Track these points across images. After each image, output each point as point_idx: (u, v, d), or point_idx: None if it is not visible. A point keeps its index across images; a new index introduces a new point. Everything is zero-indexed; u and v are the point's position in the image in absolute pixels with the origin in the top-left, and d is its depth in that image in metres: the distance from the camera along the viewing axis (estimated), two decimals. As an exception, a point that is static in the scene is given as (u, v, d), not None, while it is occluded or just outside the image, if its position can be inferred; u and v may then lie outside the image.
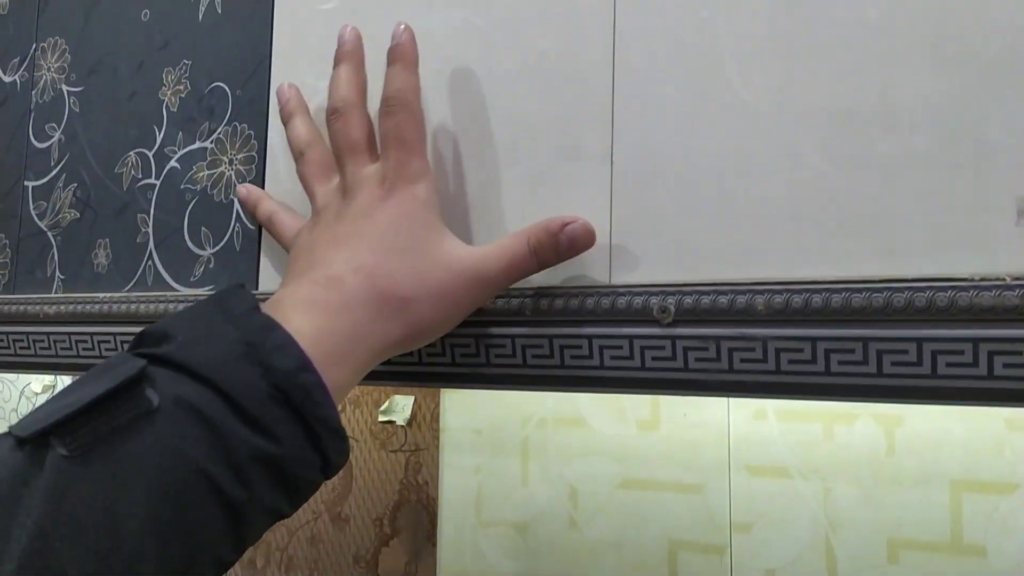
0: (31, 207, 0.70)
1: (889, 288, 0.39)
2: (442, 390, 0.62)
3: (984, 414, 0.58)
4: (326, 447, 0.37)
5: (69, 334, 0.64)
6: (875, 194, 0.41)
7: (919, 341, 0.39)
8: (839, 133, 0.42)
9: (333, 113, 0.48)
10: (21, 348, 0.67)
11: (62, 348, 0.65)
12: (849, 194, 0.42)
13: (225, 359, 0.35)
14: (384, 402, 0.64)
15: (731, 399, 0.59)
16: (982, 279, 0.38)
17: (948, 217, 0.40)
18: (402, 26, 0.49)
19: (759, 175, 0.43)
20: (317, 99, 0.56)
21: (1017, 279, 0.37)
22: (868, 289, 0.40)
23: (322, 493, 0.65)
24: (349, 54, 0.50)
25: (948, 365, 0.38)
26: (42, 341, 0.66)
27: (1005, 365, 0.37)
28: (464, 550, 0.58)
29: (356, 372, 0.41)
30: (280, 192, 0.57)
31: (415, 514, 0.59)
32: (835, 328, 0.41)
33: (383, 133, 0.47)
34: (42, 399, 0.81)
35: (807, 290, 0.41)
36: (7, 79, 0.73)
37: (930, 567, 0.57)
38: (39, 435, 0.33)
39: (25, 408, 0.82)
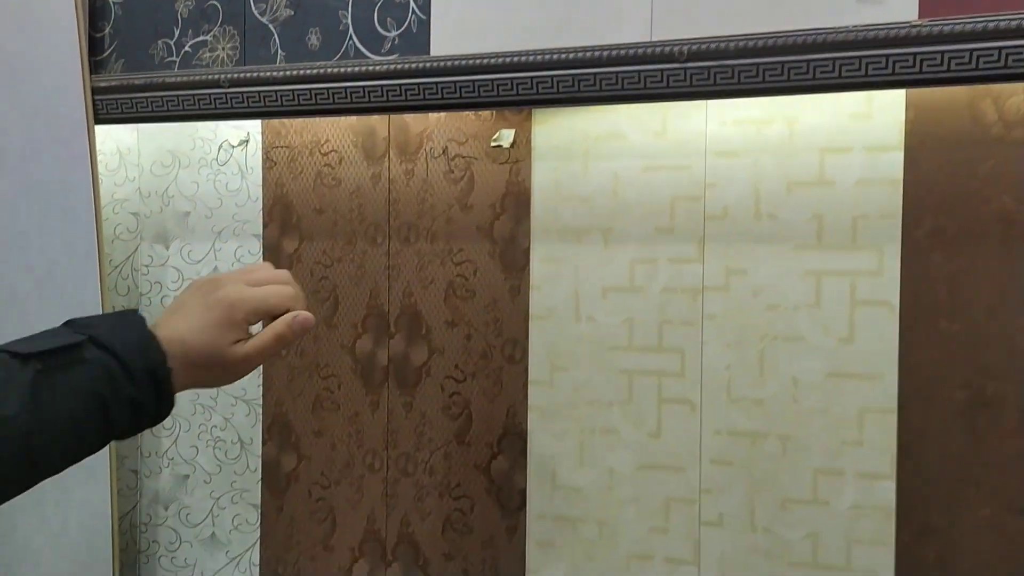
0: (253, 7, 1.04)
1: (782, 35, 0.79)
2: (533, 123, 1.01)
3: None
4: (161, 404, 0.64)
5: (294, 91, 1.01)
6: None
7: (809, 62, 0.79)
8: None
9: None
10: (252, 102, 1.03)
11: (286, 100, 1.01)
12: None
13: (127, 348, 0.62)
14: (495, 133, 1.02)
15: (710, 107, 0.98)
16: (843, 28, 0.78)
17: (827, -3, 0.79)
18: None
19: None
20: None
21: (856, 26, 0.77)
22: (792, 35, 0.79)
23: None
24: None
25: (821, 73, 0.79)
26: (271, 96, 1.02)
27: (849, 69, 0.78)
28: (550, 213, 0.99)
29: (195, 366, 0.66)
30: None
31: (515, 198, 0.99)
32: (774, 57, 0.81)
33: None
34: (238, 152, 1.18)
35: (762, 37, 0.81)
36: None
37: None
38: (28, 355, 0.59)
39: (223, 158, 1.19)
